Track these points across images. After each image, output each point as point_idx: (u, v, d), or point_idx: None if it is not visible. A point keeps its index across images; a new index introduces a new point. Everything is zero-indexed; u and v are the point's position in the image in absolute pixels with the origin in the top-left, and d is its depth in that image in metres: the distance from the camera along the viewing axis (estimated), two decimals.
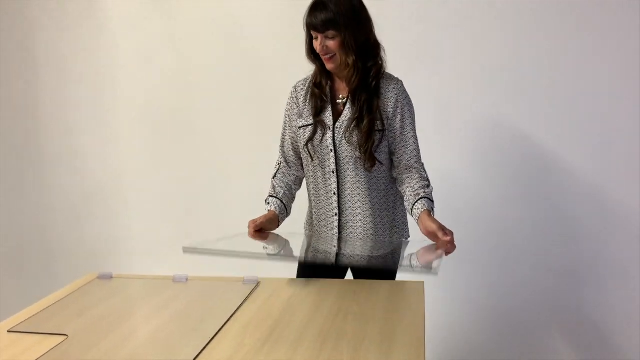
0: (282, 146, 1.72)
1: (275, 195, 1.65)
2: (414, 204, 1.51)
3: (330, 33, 1.48)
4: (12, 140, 2.75)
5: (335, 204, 1.62)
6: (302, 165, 1.71)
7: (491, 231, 2.30)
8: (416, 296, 1.45)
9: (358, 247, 1.65)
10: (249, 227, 1.58)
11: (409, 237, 1.73)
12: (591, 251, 2.21)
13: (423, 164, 1.60)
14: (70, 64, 2.69)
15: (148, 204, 2.74)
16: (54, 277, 2.66)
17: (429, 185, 1.56)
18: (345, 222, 1.63)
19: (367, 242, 1.63)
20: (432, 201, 1.53)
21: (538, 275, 2.28)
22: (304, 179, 1.75)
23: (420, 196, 1.51)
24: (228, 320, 1.35)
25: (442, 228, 1.41)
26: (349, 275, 1.77)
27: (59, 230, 2.85)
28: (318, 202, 1.67)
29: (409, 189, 1.54)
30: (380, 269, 1.58)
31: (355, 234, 1.64)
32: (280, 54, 2.33)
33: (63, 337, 1.29)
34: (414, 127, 1.59)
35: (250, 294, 1.51)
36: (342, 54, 1.50)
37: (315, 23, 1.49)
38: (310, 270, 1.71)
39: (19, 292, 2.42)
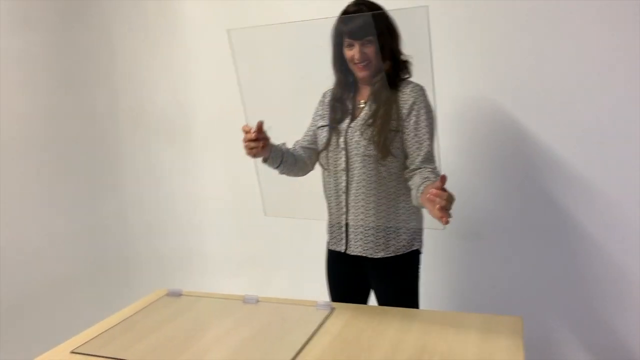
0: (304, 135, 1.73)
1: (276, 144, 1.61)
2: (420, 184, 1.40)
3: (369, 39, 1.48)
4: (91, 153, 2.79)
5: (344, 203, 1.58)
6: (312, 157, 1.69)
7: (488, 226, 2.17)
8: (513, 334, 1.26)
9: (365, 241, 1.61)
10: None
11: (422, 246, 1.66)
12: (589, 248, 2.03)
13: (437, 166, 1.50)
14: (149, 75, 2.69)
15: (223, 220, 2.70)
16: (128, 291, 2.67)
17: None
18: (350, 219, 1.59)
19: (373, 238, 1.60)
20: None
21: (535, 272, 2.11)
22: (310, 172, 1.73)
23: (430, 180, 1.40)
24: (301, 350, 1.23)
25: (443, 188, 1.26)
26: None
27: (134, 244, 2.86)
28: (330, 204, 1.64)
29: (418, 178, 1.45)
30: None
31: (358, 230, 1.60)
32: None
33: None
34: (431, 131, 1.51)
35: (324, 321, 1.39)
36: (378, 60, 1.50)
37: (353, 29, 1.49)
38: (336, 283, 1.72)
39: (94, 306, 2.45)
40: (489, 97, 2.09)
